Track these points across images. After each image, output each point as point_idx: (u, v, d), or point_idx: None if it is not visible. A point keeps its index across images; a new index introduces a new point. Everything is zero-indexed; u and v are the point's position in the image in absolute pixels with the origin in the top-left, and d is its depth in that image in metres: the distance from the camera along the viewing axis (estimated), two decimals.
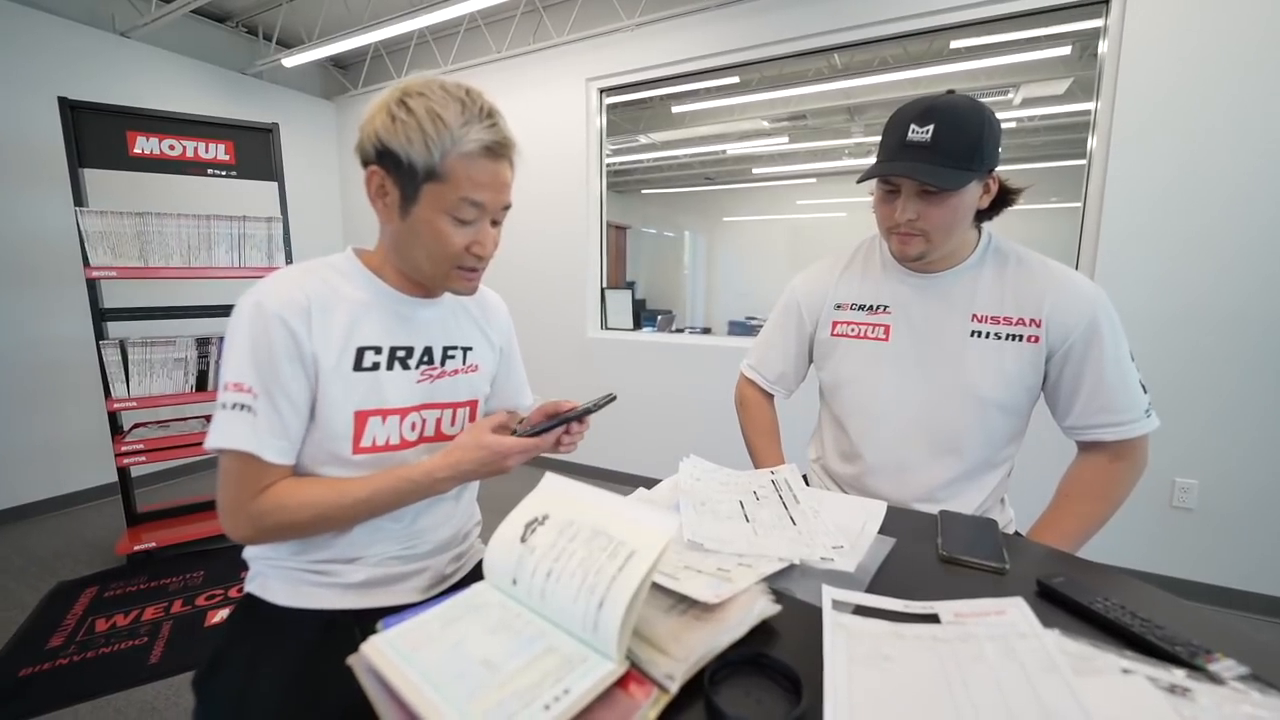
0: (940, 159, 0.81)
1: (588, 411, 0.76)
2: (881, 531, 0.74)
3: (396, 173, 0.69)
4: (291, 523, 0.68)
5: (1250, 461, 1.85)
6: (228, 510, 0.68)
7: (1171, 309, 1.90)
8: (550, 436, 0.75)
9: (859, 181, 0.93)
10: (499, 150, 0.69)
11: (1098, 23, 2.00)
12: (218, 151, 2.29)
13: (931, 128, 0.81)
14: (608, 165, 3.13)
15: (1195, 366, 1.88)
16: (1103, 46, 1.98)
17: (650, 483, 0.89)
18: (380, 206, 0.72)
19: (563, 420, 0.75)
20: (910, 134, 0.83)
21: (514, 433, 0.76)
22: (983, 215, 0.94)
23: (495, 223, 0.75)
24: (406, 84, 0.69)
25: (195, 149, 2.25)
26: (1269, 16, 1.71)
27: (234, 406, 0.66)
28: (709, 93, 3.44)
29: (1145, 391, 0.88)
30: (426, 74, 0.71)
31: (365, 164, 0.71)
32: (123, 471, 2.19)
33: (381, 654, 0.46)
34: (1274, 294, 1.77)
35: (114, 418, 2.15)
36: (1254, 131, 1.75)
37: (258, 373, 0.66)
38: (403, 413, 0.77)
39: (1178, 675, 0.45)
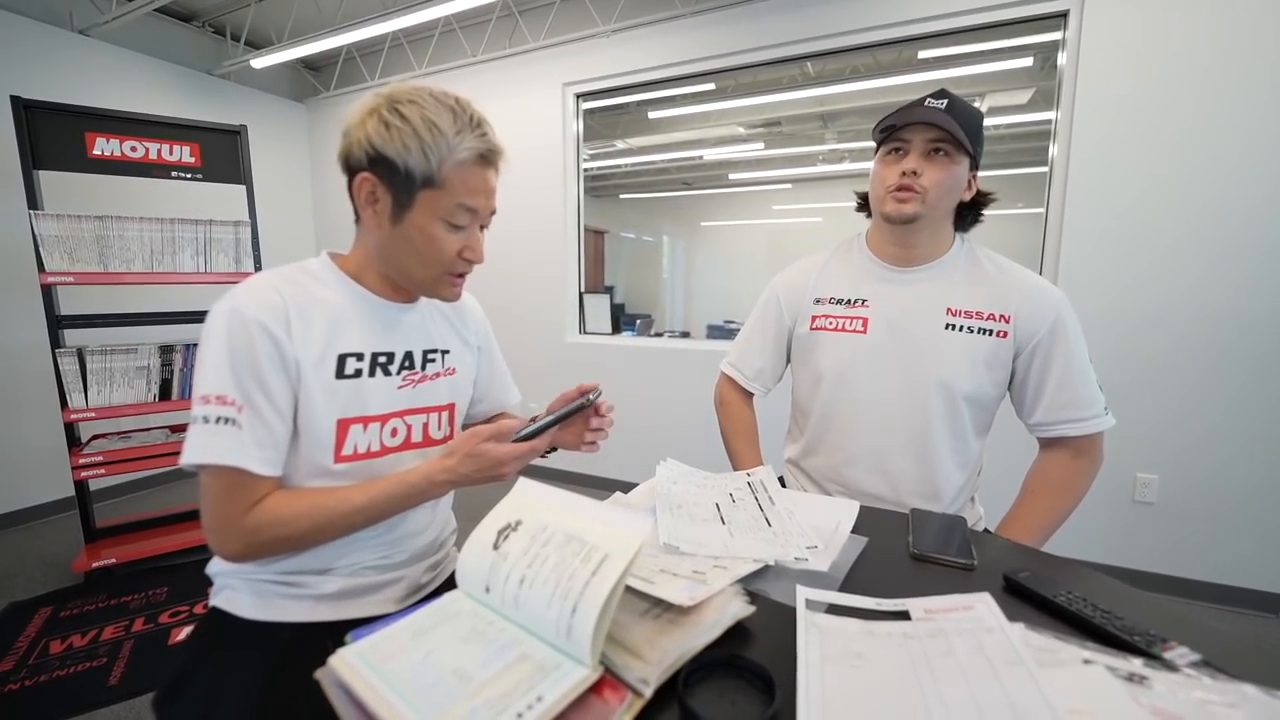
0: (953, 124, 0.89)
1: (580, 408, 0.75)
2: (854, 531, 0.75)
3: (390, 179, 0.68)
4: (287, 536, 0.66)
5: (1208, 456, 1.93)
6: (216, 528, 0.65)
7: (1132, 310, 1.97)
8: (544, 439, 0.74)
9: (877, 126, 0.97)
10: (491, 158, 0.71)
11: (1056, 35, 2.08)
12: (183, 154, 2.22)
13: (946, 102, 0.90)
14: (585, 170, 3.14)
15: (1155, 366, 1.96)
16: (1062, 58, 2.06)
17: (628, 486, 0.89)
18: (370, 213, 0.72)
19: (553, 421, 0.74)
20: (927, 104, 0.91)
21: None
22: (960, 218, 0.99)
23: (482, 227, 0.76)
24: (394, 91, 0.69)
25: (159, 151, 2.18)
26: (1220, 30, 1.80)
27: (217, 420, 0.63)
28: (685, 99, 3.46)
29: (1101, 391, 0.92)
30: (410, 80, 0.71)
31: (353, 171, 0.70)
32: (80, 485, 2.10)
33: (350, 667, 0.45)
34: (1230, 294, 1.85)
35: (71, 429, 2.06)
36: (1207, 140, 1.84)
37: (238, 383, 0.64)
38: (383, 419, 0.75)
39: (1136, 664, 0.46)
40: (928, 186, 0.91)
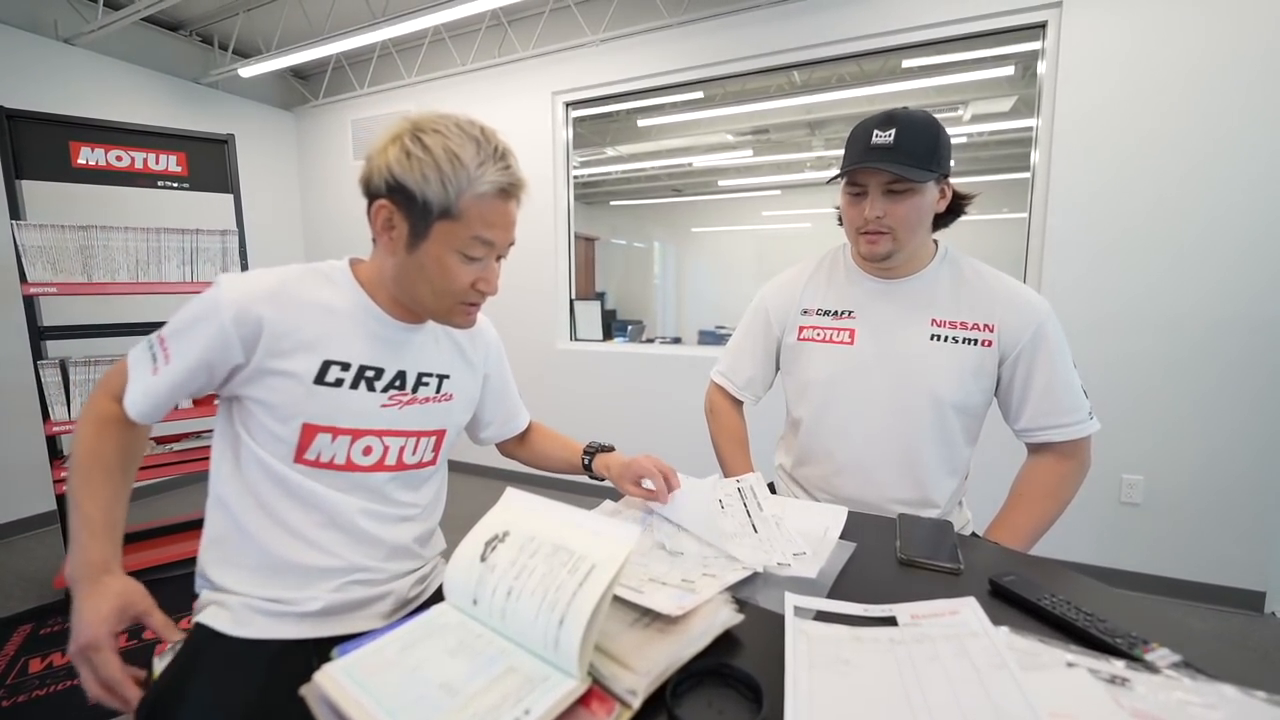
0: (903, 158, 0.86)
1: None
2: (843, 536, 0.76)
3: (407, 208, 0.68)
4: (77, 440, 0.71)
5: (1192, 457, 1.96)
6: (100, 387, 0.73)
7: (1115, 314, 2.00)
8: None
9: (830, 182, 0.98)
10: (512, 191, 0.70)
11: (1036, 45, 2.12)
12: (169, 163, 2.20)
13: (893, 132, 0.87)
14: (575, 177, 3.14)
15: (1139, 369, 1.99)
16: (1041, 67, 2.10)
17: (617, 494, 0.89)
18: (386, 240, 0.72)
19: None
20: (875, 138, 0.88)
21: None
22: (938, 223, 0.99)
23: (499, 258, 0.75)
24: (419, 119, 0.69)
25: (145, 160, 2.16)
26: (1195, 38, 1.84)
27: (152, 356, 0.71)
28: (674, 107, 3.49)
29: (1086, 396, 0.93)
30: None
31: (373, 197, 0.70)
32: (62, 499, 2.06)
33: (336, 682, 0.44)
34: (1211, 298, 1.89)
35: (53, 442, 2.02)
36: (1184, 146, 1.88)
37: (182, 357, 0.69)
38: (355, 434, 0.74)
39: (1117, 666, 0.47)
40: (894, 226, 0.91)
